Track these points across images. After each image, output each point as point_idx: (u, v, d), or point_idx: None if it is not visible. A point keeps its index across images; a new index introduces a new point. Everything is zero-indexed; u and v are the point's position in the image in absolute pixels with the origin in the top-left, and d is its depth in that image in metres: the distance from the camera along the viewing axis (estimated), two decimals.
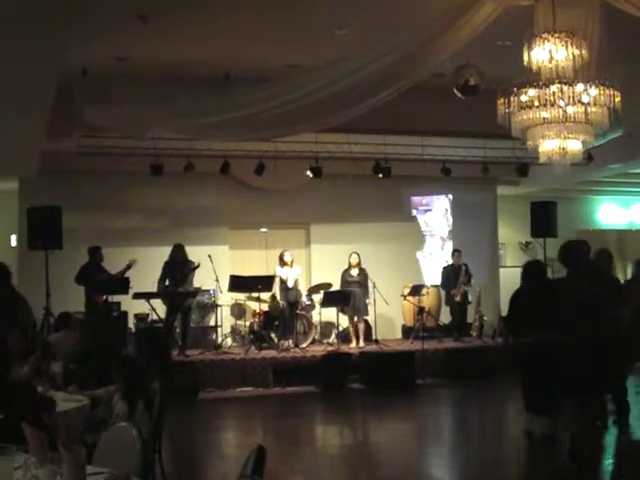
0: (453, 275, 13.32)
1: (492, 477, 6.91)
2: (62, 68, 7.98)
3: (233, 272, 12.45)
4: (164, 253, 12.28)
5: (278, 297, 12.23)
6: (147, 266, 11.59)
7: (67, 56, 7.69)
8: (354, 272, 12.62)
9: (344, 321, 12.75)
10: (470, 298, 13.48)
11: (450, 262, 13.68)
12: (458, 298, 13.17)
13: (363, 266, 12.69)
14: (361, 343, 12.49)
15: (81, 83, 10.22)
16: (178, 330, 12.08)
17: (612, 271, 7.87)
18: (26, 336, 6.59)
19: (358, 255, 12.69)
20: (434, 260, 14.82)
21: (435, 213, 15.08)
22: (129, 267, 11.31)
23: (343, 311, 12.54)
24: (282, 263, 12.34)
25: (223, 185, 13.24)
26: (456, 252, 13.66)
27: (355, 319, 12.58)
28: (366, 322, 13.00)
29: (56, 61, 7.49)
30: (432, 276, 14.31)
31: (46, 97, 8.46)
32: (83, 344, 7.95)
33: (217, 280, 12.10)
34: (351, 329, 12.66)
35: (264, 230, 13.40)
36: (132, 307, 11.97)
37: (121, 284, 11.28)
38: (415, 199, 14.94)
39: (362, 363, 11.62)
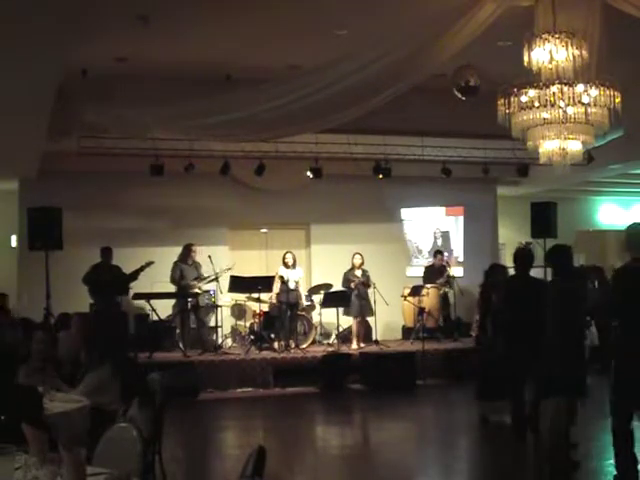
0: (432, 275, 13.50)
1: (492, 477, 6.92)
2: (62, 68, 7.98)
3: (233, 272, 12.44)
4: (164, 253, 12.28)
5: (275, 298, 12.23)
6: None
7: (67, 56, 7.68)
8: (358, 273, 12.66)
9: (344, 321, 12.75)
10: (451, 300, 13.55)
11: (431, 262, 13.92)
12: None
13: (364, 266, 12.72)
14: (360, 344, 12.49)
15: (81, 83, 10.22)
16: (178, 330, 12.09)
17: None
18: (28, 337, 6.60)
19: (361, 256, 12.72)
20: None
21: (424, 226, 14.96)
22: (142, 268, 11.31)
23: (348, 312, 12.56)
24: (285, 265, 12.35)
25: (223, 185, 13.22)
26: (438, 254, 13.81)
27: (359, 319, 12.61)
28: (366, 322, 13.01)
29: (56, 61, 7.49)
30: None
31: (46, 97, 8.46)
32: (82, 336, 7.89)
33: (217, 280, 12.10)
34: (354, 329, 12.67)
35: (264, 231, 13.40)
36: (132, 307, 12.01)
37: (122, 285, 11.29)
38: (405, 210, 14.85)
39: (362, 364, 11.61)
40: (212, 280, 12.06)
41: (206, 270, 12.08)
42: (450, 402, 10.76)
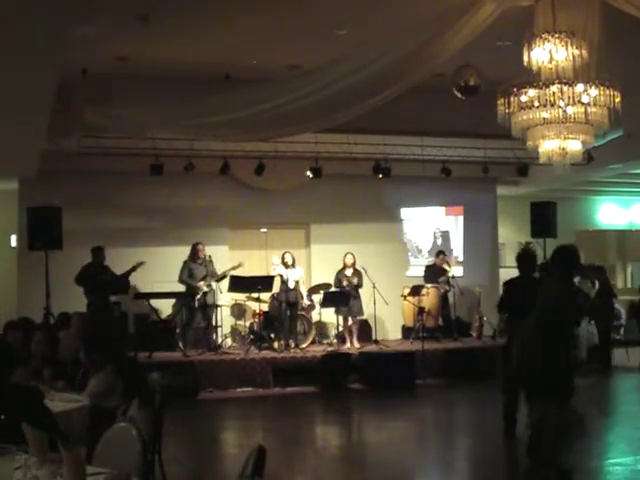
0: (433, 274, 13.48)
1: (492, 478, 6.92)
2: (62, 68, 7.98)
3: (233, 272, 12.45)
4: (164, 253, 12.28)
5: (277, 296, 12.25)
6: (147, 266, 11.57)
7: (67, 56, 7.68)
8: (348, 272, 12.64)
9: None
10: (451, 300, 13.50)
11: (432, 261, 13.88)
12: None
13: (364, 266, 12.70)
14: (356, 344, 12.42)
15: (81, 83, 10.22)
16: (178, 330, 12.09)
17: None
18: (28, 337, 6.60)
19: (353, 255, 12.71)
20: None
21: (423, 226, 14.97)
22: (134, 269, 11.29)
23: (338, 312, 12.54)
24: (284, 264, 12.35)
25: (223, 185, 13.23)
26: (440, 254, 13.76)
27: (350, 320, 12.58)
28: (366, 322, 12.99)
29: (56, 61, 7.48)
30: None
31: (46, 97, 8.46)
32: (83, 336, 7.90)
33: (217, 280, 12.10)
34: (345, 330, 12.65)
35: (264, 230, 13.39)
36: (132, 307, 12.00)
37: (121, 284, 11.28)
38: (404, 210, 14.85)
39: (362, 363, 11.61)
40: (221, 279, 12.04)
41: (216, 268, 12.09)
42: (450, 402, 10.75)
